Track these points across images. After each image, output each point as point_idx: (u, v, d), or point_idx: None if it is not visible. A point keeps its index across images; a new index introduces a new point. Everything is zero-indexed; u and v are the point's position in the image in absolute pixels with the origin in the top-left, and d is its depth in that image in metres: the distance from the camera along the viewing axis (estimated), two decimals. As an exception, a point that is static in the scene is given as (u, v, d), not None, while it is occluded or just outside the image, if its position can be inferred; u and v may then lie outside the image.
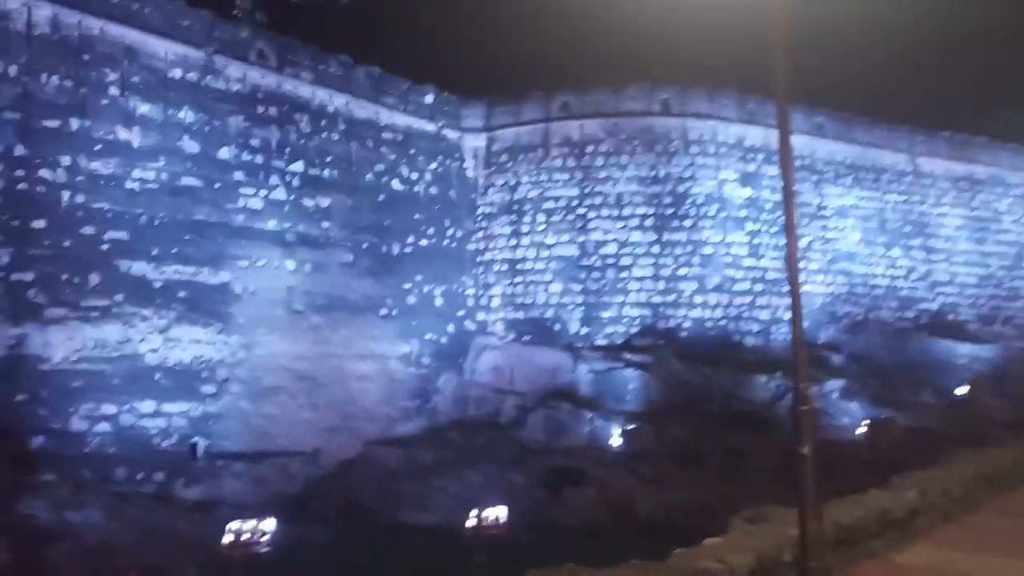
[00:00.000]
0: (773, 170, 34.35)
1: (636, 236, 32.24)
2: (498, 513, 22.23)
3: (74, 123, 23.40)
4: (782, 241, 32.63)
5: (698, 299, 32.23)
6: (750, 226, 33.90)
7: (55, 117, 23.00)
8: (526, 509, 22.99)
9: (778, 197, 34.00)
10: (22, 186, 22.10)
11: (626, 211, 32.46)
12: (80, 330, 22.22)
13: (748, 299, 33.06)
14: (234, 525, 20.40)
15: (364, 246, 29.80)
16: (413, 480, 24.06)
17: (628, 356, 29.65)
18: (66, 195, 22.90)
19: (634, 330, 31.32)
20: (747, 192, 34.21)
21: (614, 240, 32.23)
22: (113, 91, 24.30)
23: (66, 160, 23.05)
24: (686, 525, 22.04)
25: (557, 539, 22.36)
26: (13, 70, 22.45)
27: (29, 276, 21.73)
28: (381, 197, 30.71)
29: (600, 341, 31.14)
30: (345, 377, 27.75)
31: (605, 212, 32.48)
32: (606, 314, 31.74)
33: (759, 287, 33.43)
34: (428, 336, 31.03)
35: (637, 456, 25.94)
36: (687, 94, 33.97)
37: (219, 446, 23.84)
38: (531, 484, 24.15)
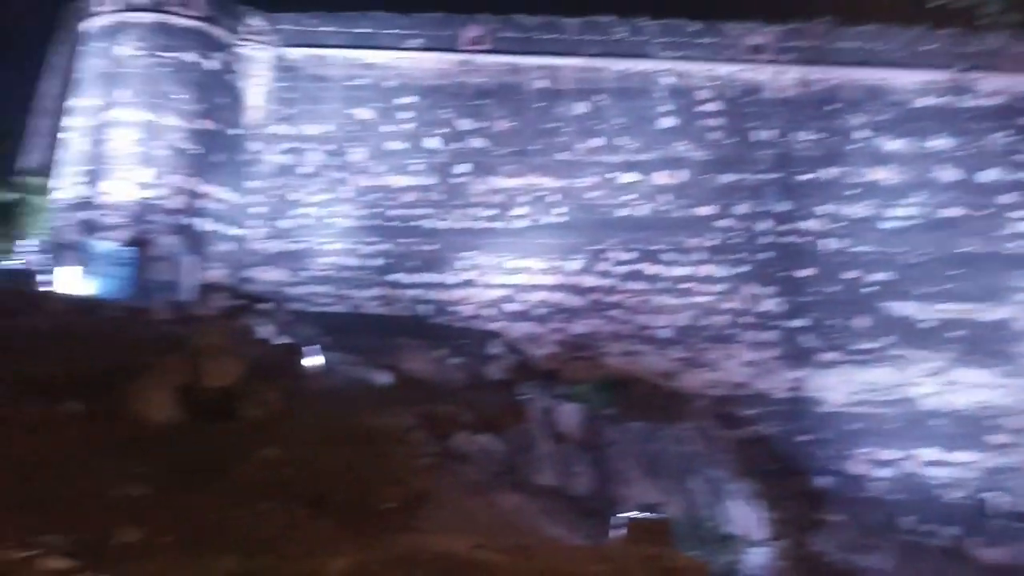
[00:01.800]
0: None
1: None
2: None
3: (825, 172, 25.35)
4: None
5: None
6: None
7: (808, 170, 25.34)
8: None
9: None
10: (787, 239, 24.87)
11: None
12: (852, 373, 23.68)
13: None
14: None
15: None
16: None
17: None
18: (825, 242, 24.82)
19: None
20: None
21: None
22: (858, 134, 25.56)
23: (821, 209, 25.05)
24: None
25: None
26: (770, 134, 25.63)
27: (800, 323, 24.23)
28: None
29: None
30: None
31: None
32: None
33: None
34: None
35: None
36: None
37: (1016, 504, 22.05)
38: None
